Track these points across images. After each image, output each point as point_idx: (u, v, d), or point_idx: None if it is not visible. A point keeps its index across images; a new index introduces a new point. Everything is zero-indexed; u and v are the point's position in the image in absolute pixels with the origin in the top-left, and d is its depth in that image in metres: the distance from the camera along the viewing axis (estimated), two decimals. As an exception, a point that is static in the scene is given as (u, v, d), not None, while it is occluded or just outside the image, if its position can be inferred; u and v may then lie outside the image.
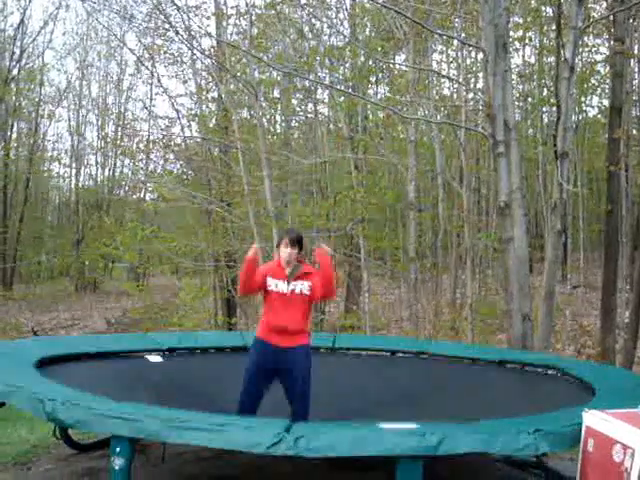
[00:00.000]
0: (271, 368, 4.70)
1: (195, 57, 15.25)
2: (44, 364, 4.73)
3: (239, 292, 5.73)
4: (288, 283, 4.76)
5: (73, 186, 30.85)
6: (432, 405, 4.40)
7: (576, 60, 8.75)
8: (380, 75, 16.03)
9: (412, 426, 3.01)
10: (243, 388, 4.69)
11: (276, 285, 4.75)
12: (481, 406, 4.34)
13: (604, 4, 13.33)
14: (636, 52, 14.59)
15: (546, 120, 17.55)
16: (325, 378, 5.32)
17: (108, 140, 29.41)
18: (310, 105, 15.91)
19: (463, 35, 12.45)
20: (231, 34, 14.91)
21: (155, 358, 5.89)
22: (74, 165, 30.30)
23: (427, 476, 2.82)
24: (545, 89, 15.77)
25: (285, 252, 4.79)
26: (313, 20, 14.33)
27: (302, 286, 4.77)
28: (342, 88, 13.13)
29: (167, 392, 4.52)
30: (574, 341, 13.14)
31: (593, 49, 15.59)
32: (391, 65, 14.47)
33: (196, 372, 5.71)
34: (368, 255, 13.38)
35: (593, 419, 2.93)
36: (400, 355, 6.46)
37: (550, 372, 5.30)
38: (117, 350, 5.92)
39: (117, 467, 3.03)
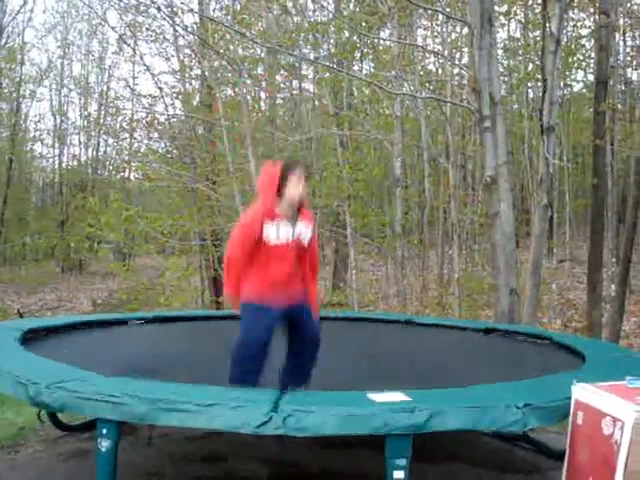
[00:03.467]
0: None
1: (178, 34, 15.05)
2: (29, 338, 4.70)
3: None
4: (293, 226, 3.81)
5: (57, 166, 30.54)
6: (419, 371, 4.42)
7: (562, 34, 8.70)
8: (365, 51, 15.90)
9: (400, 396, 3.00)
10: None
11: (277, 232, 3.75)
12: (468, 372, 4.36)
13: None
14: (621, 25, 14.55)
15: (532, 95, 17.50)
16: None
17: (91, 119, 29.12)
18: (295, 82, 15.80)
19: (448, 9, 12.34)
20: (214, 10, 14.73)
21: (141, 322, 6.01)
22: (57, 145, 29.96)
23: (414, 450, 2.83)
24: (531, 64, 15.70)
25: (297, 188, 3.80)
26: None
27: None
28: (327, 64, 13.01)
29: (155, 359, 4.49)
30: (561, 315, 13.22)
31: (578, 23, 15.56)
32: (376, 40, 14.34)
33: (183, 338, 5.72)
34: (355, 232, 13.35)
35: (582, 392, 2.94)
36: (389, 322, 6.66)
37: (539, 341, 5.34)
38: (102, 319, 6.02)
39: (104, 449, 3.01)
